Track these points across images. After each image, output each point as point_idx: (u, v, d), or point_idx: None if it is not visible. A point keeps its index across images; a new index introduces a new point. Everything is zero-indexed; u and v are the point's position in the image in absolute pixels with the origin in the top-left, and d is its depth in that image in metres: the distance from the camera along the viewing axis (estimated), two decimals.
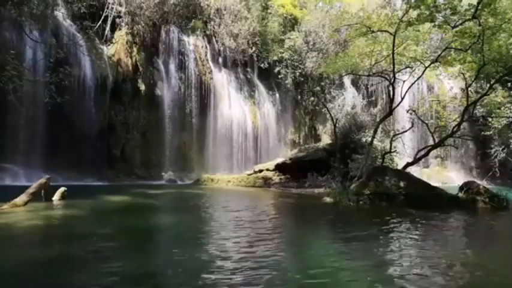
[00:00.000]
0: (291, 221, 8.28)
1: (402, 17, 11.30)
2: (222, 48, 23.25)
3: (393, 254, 4.84)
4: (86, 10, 17.59)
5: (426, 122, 15.32)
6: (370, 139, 13.72)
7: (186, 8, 22.04)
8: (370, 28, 12.26)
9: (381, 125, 14.75)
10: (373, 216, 8.33)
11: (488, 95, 14.12)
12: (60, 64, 13.73)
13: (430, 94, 25.63)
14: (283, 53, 24.60)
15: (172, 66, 20.80)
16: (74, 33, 17.08)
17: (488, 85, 13.90)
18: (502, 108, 18.08)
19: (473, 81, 13.52)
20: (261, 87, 24.89)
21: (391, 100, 13.46)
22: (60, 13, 17.11)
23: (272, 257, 4.47)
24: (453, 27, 10.94)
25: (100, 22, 18.03)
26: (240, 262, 4.17)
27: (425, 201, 9.39)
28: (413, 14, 11.10)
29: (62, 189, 9.03)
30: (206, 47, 22.65)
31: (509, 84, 17.56)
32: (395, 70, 12.39)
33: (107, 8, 18.31)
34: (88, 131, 16.49)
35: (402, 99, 13.52)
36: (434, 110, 21.83)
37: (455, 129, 12.89)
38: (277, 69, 24.72)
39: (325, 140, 23.21)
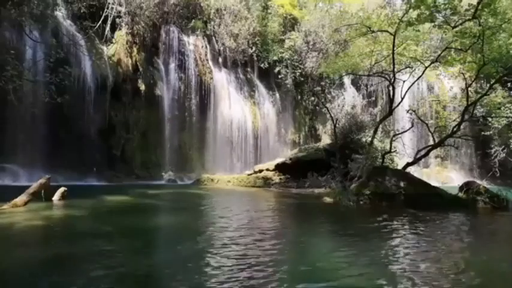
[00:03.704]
0: (291, 221, 8.27)
1: (402, 17, 11.31)
2: (222, 48, 23.24)
3: (394, 254, 4.84)
4: (86, 10, 17.57)
5: (426, 122, 15.32)
6: (370, 139, 13.73)
7: (186, 8, 22.05)
8: (370, 28, 12.27)
9: (381, 125, 14.77)
10: (373, 216, 8.32)
11: (488, 95, 14.13)
12: (60, 64, 13.73)
13: (430, 94, 25.67)
14: (283, 53, 24.58)
15: (172, 66, 20.77)
16: (74, 33, 17.04)
17: (488, 85, 13.89)
18: (502, 108, 18.07)
19: (473, 81, 13.54)
20: (261, 87, 24.88)
21: (391, 100, 13.46)
22: (60, 13, 17.08)
23: (272, 256, 4.47)
24: (453, 27, 10.93)
25: (100, 22, 18.00)
26: (240, 262, 4.17)
27: (425, 201, 9.37)
28: (413, 14, 11.10)
29: (62, 189, 9.02)
30: (206, 47, 22.63)
31: (509, 84, 17.58)
32: (395, 70, 12.40)
33: (107, 8, 18.30)
34: (88, 131, 16.48)
35: (402, 99, 13.52)
36: (434, 110, 21.92)
37: (455, 129, 12.88)
38: (277, 69, 24.70)
39: (325, 140, 23.20)
